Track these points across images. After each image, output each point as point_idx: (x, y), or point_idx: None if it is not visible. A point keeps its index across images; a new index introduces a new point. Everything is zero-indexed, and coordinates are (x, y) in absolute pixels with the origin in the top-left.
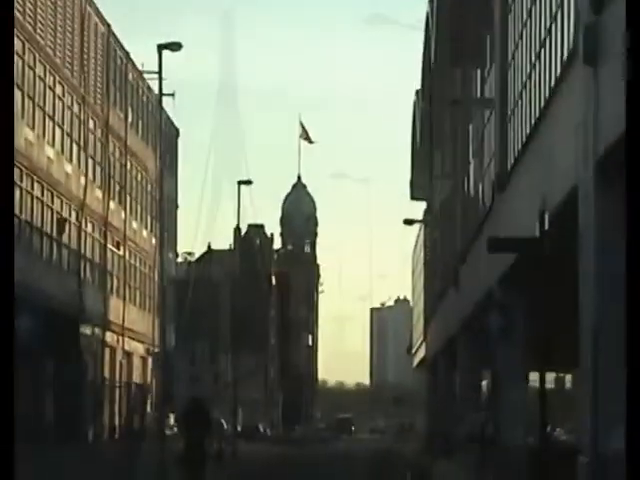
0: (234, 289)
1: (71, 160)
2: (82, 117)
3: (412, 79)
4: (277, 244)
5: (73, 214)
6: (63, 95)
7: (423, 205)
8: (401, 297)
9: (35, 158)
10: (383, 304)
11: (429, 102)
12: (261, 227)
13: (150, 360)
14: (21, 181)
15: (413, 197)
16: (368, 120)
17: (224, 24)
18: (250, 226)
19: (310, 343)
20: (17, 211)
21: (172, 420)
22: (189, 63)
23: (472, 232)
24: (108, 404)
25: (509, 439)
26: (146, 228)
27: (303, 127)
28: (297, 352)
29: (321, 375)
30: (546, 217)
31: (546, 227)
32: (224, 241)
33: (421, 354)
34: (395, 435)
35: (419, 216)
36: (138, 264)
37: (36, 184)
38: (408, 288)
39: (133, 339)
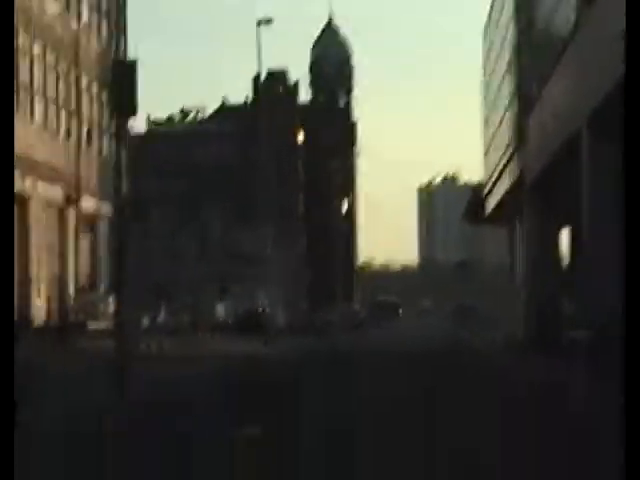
0: (252, 147)
1: None
2: None
3: None
4: (305, 96)
5: None
6: None
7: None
8: (450, 175)
9: None
10: (431, 181)
11: None
12: (284, 74)
13: (72, 215)
14: None
15: None
16: None
17: None
18: (270, 73)
19: (346, 209)
20: None
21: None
22: None
23: None
24: None
25: None
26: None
27: None
28: (331, 221)
29: (364, 256)
30: None
31: None
32: (241, 92)
33: (500, 191)
34: (451, 320)
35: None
36: (38, 51)
37: None
38: (461, 161)
39: (33, 175)
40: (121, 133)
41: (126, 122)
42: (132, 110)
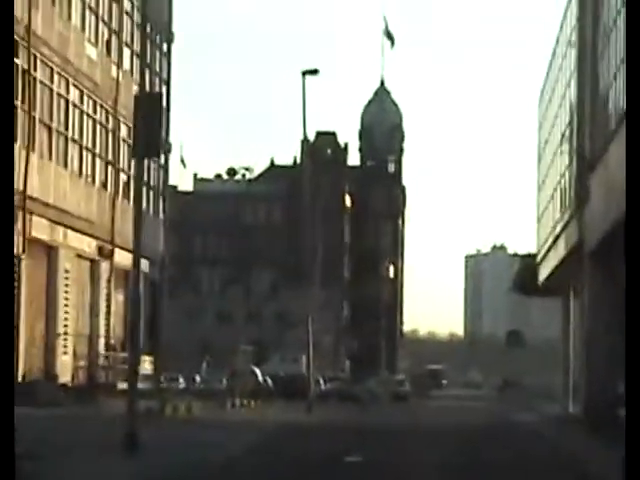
0: (300, 209)
1: None
2: None
3: None
4: (353, 160)
5: None
6: None
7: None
8: (498, 244)
9: None
10: (479, 251)
11: None
12: (333, 135)
13: (105, 266)
14: None
15: None
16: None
17: None
18: (319, 134)
19: (393, 275)
20: None
21: (148, 368)
22: None
23: None
24: None
25: None
26: (94, 44)
27: (386, 22)
28: (377, 287)
29: (409, 325)
30: None
31: None
32: (287, 154)
33: (554, 259)
34: (498, 393)
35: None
36: (74, 97)
37: None
38: (510, 231)
39: (61, 224)
40: (140, 173)
41: (148, 162)
42: (155, 149)
